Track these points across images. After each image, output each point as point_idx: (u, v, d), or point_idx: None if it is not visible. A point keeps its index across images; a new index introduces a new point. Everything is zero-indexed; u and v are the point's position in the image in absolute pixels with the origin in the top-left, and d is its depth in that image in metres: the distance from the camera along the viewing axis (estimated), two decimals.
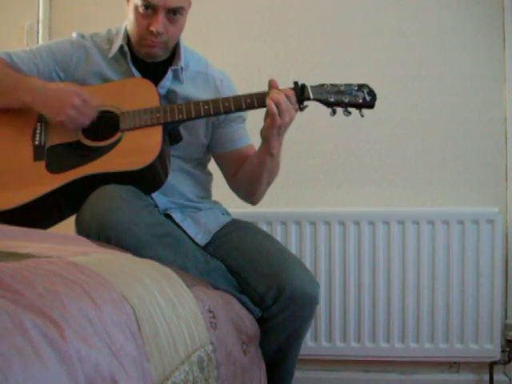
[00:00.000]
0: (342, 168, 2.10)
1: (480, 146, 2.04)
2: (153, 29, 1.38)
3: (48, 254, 0.86)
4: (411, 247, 1.96)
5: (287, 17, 2.14)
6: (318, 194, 2.11)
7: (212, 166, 1.65)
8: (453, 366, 2.04)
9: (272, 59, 2.13)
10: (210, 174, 1.66)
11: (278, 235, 1.98)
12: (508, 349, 1.98)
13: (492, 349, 1.93)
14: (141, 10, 1.38)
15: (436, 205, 2.05)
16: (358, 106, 1.40)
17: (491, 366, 1.98)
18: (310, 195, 2.11)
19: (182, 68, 1.49)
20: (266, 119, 1.38)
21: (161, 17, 1.38)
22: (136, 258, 1.07)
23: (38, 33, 2.24)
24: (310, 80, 1.93)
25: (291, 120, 1.37)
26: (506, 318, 2.00)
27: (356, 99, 1.40)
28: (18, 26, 2.24)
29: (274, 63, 2.13)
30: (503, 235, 1.96)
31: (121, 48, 1.48)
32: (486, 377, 2.00)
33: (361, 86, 1.41)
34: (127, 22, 1.47)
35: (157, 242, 1.26)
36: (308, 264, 1.92)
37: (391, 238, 1.96)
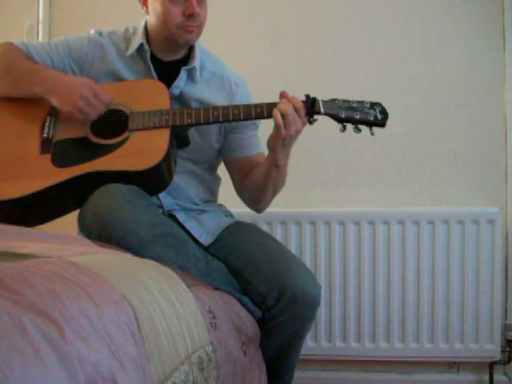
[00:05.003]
0: (341, 168, 2.10)
1: (480, 146, 2.04)
2: (192, 12, 1.40)
3: (48, 254, 0.86)
4: (411, 247, 1.96)
5: (288, 16, 2.14)
6: (318, 194, 2.11)
7: (220, 168, 1.65)
8: (453, 366, 2.04)
9: (272, 59, 2.13)
10: (218, 178, 1.67)
11: (278, 235, 1.99)
12: (508, 349, 1.98)
13: (492, 349, 1.94)
14: None
15: (436, 205, 2.05)
16: (369, 124, 1.39)
17: (491, 366, 1.98)
18: (310, 195, 2.11)
19: (195, 68, 1.49)
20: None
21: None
22: (136, 258, 1.07)
23: (37, 33, 2.24)
24: (310, 80, 1.92)
25: (297, 133, 1.36)
26: (506, 318, 2.00)
27: (367, 117, 1.38)
28: (18, 26, 2.24)
29: (274, 63, 2.13)
30: (503, 235, 1.96)
31: (140, 46, 1.48)
32: (486, 377, 2.00)
33: (373, 104, 1.40)
34: (151, 18, 1.47)
35: (158, 242, 1.26)
36: (308, 264, 1.92)
37: (391, 238, 1.96)
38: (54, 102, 1.40)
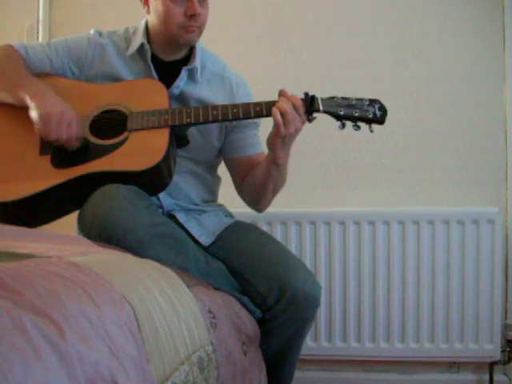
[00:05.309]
0: (342, 168, 2.10)
1: (480, 146, 2.04)
2: (193, 12, 1.40)
3: (48, 254, 0.86)
4: (411, 247, 1.96)
5: (288, 16, 2.14)
6: (318, 194, 2.11)
7: (220, 168, 1.65)
8: (453, 366, 2.04)
9: (272, 59, 2.13)
10: (218, 178, 1.67)
11: (278, 235, 1.99)
12: (508, 349, 1.98)
13: (492, 349, 1.94)
14: None
15: (436, 205, 2.05)
16: (368, 121, 1.39)
17: (491, 366, 1.98)
18: (310, 195, 2.11)
19: (196, 68, 1.50)
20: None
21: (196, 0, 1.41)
22: (136, 258, 1.07)
23: (37, 33, 2.24)
24: (310, 80, 1.92)
25: (297, 131, 1.36)
26: (505, 318, 2.00)
27: (366, 114, 1.38)
28: (18, 26, 2.24)
29: (274, 63, 2.13)
30: (503, 235, 1.96)
31: (140, 46, 1.48)
32: (486, 377, 2.00)
33: (372, 101, 1.40)
34: (152, 18, 1.47)
35: (158, 243, 1.26)
36: (308, 264, 1.92)
37: (391, 237, 1.96)
38: (31, 106, 1.37)
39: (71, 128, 1.36)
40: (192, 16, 1.41)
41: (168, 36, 1.46)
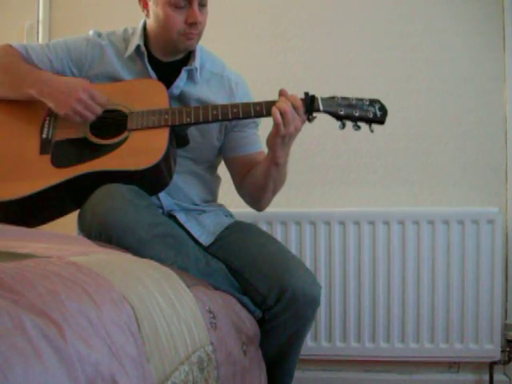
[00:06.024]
0: (342, 168, 2.10)
1: (480, 146, 2.04)
2: (194, 20, 1.41)
3: (48, 254, 0.86)
4: (411, 247, 1.96)
5: (288, 16, 2.14)
6: (318, 194, 2.11)
7: (220, 168, 1.65)
8: (453, 366, 2.04)
9: (273, 59, 2.13)
10: (218, 178, 1.67)
11: (278, 235, 1.98)
12: (508, 349, 1.98)
13: (492, 349, 1.93)
14: (176, 5, 1.40)
15: (436, 205, 2.05)
16: (368, 121, 1.39)
17: (491, 366, 1.98)
18: (310, 195, 2.11)
19: (196, 68, 1.50)
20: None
21: (196, 8, 1.41)
22: (136, 258, 1.07)
23: (37, 33, 2.24)
24: (310, 80, 1.92)
25: (297, 131, 1.36)
26: (505, 318, 2.00)
27: (366, 114, 1.38)
28: (18, 26, 2.24)
29: (274, 63, 2.13)
30: (503, 235, 1.96)
31: (137, 48, 1.49)
32: (486, 377, 2.00)
33: (372, 101, 1.40)
34: (151, 22, 1.47)
35: (158, 242, 1.26)
36: (308, 264, 1.92)
37: (391, 238, 1.96)
38: (50, 105, 1.40)
39: (95, 101, 1.38)
40: (192, 24, 1.41)
41: (167, 41, 1.46)
